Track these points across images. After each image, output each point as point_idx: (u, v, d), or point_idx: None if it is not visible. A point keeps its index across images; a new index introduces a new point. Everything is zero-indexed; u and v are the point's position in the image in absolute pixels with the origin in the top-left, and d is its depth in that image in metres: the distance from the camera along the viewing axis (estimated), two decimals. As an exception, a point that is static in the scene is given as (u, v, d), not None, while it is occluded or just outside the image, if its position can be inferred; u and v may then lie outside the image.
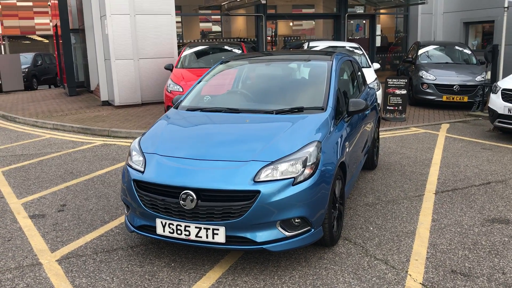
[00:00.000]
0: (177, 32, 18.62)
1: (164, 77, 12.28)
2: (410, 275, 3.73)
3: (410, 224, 4.72)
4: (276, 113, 4.44)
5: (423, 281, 3.64)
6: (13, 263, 4.03)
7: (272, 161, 3.72)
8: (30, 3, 42.31)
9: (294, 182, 3.66)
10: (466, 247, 4.20)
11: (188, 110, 4.80)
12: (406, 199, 5.45)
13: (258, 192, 3.55)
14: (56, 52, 19.11)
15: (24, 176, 6.58)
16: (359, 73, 6.25)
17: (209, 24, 24.83)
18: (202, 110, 4.74)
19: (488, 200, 5.38)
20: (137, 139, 4.37)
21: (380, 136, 8.74)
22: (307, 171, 3.73)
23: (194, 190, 3.60)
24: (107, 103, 13.02)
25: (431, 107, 11.90)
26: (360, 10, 16.26)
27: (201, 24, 23.68)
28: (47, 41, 44.23)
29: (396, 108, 10.45)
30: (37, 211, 5.24)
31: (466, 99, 11.33)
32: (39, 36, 44.97)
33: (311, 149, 3.85)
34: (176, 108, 4.92)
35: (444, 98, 11.42)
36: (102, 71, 13.03)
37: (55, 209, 5.29)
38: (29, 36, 45.92)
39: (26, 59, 21.35)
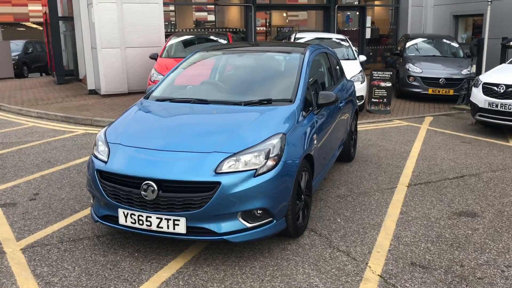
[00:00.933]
0: (170, 21, 18.56)
1: (151, 66, 12.22)
2: (369, 267, 3.76)
3: (377, 217, 4.75)
4: (244, 105, 4.45)
5: (382, 272, 3.67)
6: (-22, 251, 4.04)
7: (235, 153, 3.73)
8: (24, -10, 41.93)
9: (256, 173, 3.67)
10: (429, 239, 4.24)
11: (158, 100, 4.80)
12: (378, 191, 5.48)
13: (219, 183, 3.57)
14: (46, 40, 18.98)
15: (0, 164, 6.57)
16: (336, 65, 6.24)
17: (203, 14, 24.71)
18: (171, 100, 4.74)
19: (459, 193, 5.42)
20: (103, 129, 4.38)
21: (362, 129, 8.78)
22: (270, 163, 3.75)
23: (155, 181, 3.61)
24: (94, 92, 12.97)
25: (417, 100, 11.92)
26: (349, 0, 16.19)
27: (196, 14, 23.56)
28: (41, 28, 43.91)
29: (381, 100, 10.47)
30: (8, 199, 5.24)
31: (451, 92, 11.36)
32: (33, 23, 44.66)
33: (275, 141, 3.86)
34: (147, 98, 4.92)
35: (430, 91, 11.44)
36: (89, 60, 12.97)
37: (27, 197, 5.29)
38: (23, 23, 45.60)
39: (17, 46, 21.21)
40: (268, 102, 4.47)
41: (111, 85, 12.29)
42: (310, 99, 4.71)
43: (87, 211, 4.88)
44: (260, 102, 4.47)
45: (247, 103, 4.46)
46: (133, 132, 4.17)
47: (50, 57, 17.45)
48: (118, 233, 4.35)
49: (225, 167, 3.65)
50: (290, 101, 4.46)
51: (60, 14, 16.20)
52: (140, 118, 4.47)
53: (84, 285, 3.52)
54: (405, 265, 3.78)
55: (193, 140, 3.96)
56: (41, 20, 38.86)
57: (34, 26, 45.79)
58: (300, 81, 4.66)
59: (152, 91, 5.01)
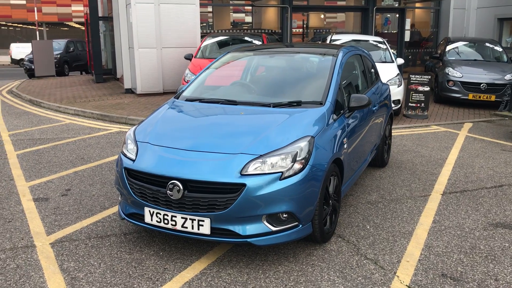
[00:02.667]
0: (208, 22, 18.70)
1: (186, 67, 12.33)
2: (398, 276, 3.63)
3: (409, 225, 4.59)
4: (273, 106, 4.38)
5: (410, 283, 3.54)
6: (9, 244, 4.14)
7: (261, 155, 3.68)
8: (68, -9, 43.24)
9: (282, 176, 3.61)
10: (462, 251, 4.06)
11: (187, 100, 4.80)
12: (411, 198, 5.32)
13: (244, 185, 3.52)
14: (86, 39, 19.47)
15: (36, 159, 6.74)
16: (371, 68, 6.10)
17: (241, 15, 24.82)
18: (201, 101, 4.73)
19: (496, 203, 5.19)
20: (133, 128, 4.41)
21: (397, 134, 8.57)
22: (297, 166, 3.67)
23: (181, 180, 3.60)
24: (130, 91, 13.20)
25: (456, 105, 11.56)
26: (390, 2, 15.86)
27: (233, 15, 23.69)
28: (83, 28, 45.18)
29: (419, 105, 10.19)
30: (42, 194, 5.36)
31: (493, 98, 10.94)
32: (76, 23, 45.98)
33: (303, 143, 3.79)
34: (177, 98, 4.93)
35: (470, 97, 11.06)
36: (126, 59, 13.20)
37: (59, 193, 5.40)
38: (66, 23, 47.01)
39: (59, 45, 21.85)
40: (298, 104, 4.40)
41: (146, 84, 12.47)
42: (342, 101, 4.61)
43: (115, 208, 4.93)
44: (290, 104, 4.40)
45: (276, 105, 4.40)
46: (162, 132, 4.18)
47: (89, 56, 17.90)
48: (145, 231, 4.37)
49: (250, 169, 3.61)
50: (320, 103, 4.37)
51: (100, 14, 16.61)
52: (169, 118, 4.48)
53: (108, 281, 3.54)
54: (435, 276, 3.63)
55: (220, 140, 3.93)
56: (83, 20, 39.94)
57: (77, 26, 47.16)
58: (332, 83, 4.56)
59: (183, 91, 5.02)
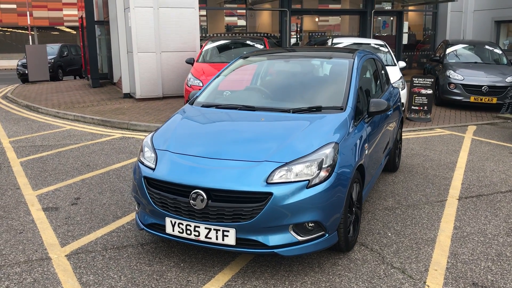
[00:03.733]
0: (201, 25, 18.59)
1: (186, 71, 12.22)
2: (428, 286, 3.55)
3: (430, 231, 4.52)
4: (293, 112, 4.29)
5: (442, 293, 3.46)
6: (23, 257, 3.99)
7: (286, 162, 3.58)
8: (59, -6, 42.89)
9: (309, 184, 3.51)
10: (489, 258, 3.99)
11: (203, 106, 4.69)
12: (428, 204, 5.24)
13: (271, 194, 3.42)
14: (81, 44, 19.26)
15: (41, 167, 6.59)
16: (383, 71, 6.04)
17: (234, 18, 24.72)
18: (217, 106, 4.62)
19: (514, 208, 5.13)
20: (150, 135, 4.28)
21: (403, 137, 8.51)
22: (323, 174, 3.58)
23: (205, 189, 3.49)
24: (128, 96, 13.04)
25: (457, 108, 11.55)
26: (387, 6, 15.88)
27: (227, 18, 23.58)
28: (75, 32, 44.86)
29: (421, 108, 10.16)
30: (51, 203, 5.21)
31: (495, 100, 10.94)
32: (67, 27, 45.63)
33: (328, 150, 3.69)
34: (192, 104, 4.82)
35: (472, 99, 11.06)
36: (124, 64, 13.06)
37: (69, 202, 5.26)
38: (57, 27, 46.62)
39: (53, 49, 21.61)
40: (318, 109, 4.31)
41: (146, 89, 12.33)
42: (361, 107, 4.53)
43: (129, 218, 4.80)
44: (309, 110, 4.31)
45: (296, 111, 4.30)
46: (181, 139, 4.06)
47: (85, 61, 17.70)
48: (162, 241, 4.25)
49: (276, 177, 3.51)
50: (341, 108, 4.29)
51: (95, 19, 16.43)
52: (187, 124, 4.37)
53: (130, 296, 3.42)
54: (466, 286, 3.55)
55: (243, 148, 3.83)
56: (75, 24, 39.63)
57: (68, 30, 46.80)
58: (351, 88, 4.48)
59: (197, 96, 4.90)
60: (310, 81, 4.91)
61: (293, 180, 3.52)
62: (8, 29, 46.44)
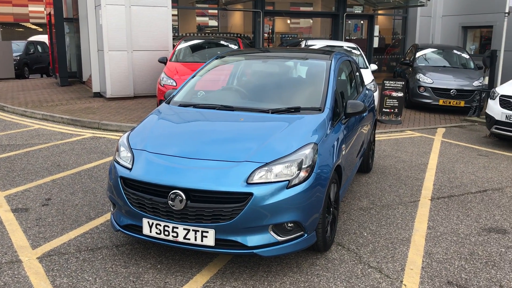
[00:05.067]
0: (173, 25, 18.42)
1: (158, 70, 12.07)
2: (405, 285, 3.59)
3: (405, 231, 4.58)
4: (272, 112, 4.29)
5: (419, 292, 3.51)
6: (-8, 260, 3.85)
7: (267, 163, 3.57)
8: (25, -10, 41.74)
9: (289, 185, 3.51)
10: (462, 257, 4.07)
11: (180, 105, 4.63)
12: (401, 204, 5.32)
13: (251, 194, 3.40)
14: (49, 41, 18.78)
15: (9, 167, 6.37)
16: (358, 73, 6.11)
17: (206, 19, 24.58)
18: (195, 106, 4.57)
19: (484, 208, 5.26)
20: (125, 134, 4.20)
21: (375, 139, 8.62)
22: (302, 174, 3.58)
23: (184, 190, 3.44)
24: (98, 95, 12.79)
25: (427, 111, 11.80)
26: (358, 10, 16.11)
27: (198, 18, 23.44)
28: (41, 29, 43.70)
29: (392, 110, 10.34)
30: (20, 204, 5.05)
31: (462, 103, 11.23)
32: (33, 24, 44.46)
33: (307, 151, 3.70)
34: (168, 103, 4.75)
35: (441, 102, 11.32)
36: (94, 62, 12.80)
37: (39, 203, 5.10)
38: (22, 23, 45.38)
39: (18, 46, 20.98)
40: (296, 110, 4.31)
41: (117, 88, 12.11)
42: (338, 108, 4.56)
43: (103, 219, 4.69)
44: (288, 110, 4.31)
45: (275, 111, 4.30)
46: (158, 138, 4.00)
47: (53, 59, 17.27)
48: (138, 242, 4.17)
49: (256, 178, 3.49)
50: (319, 109, 4.30)
51: (64, 16, 16.05)
52: (164, 124, 4.30)
53: (107, 298, 3.33)
54: (442, 284, 3.61)
55: (222, 148, 3.79)
56: (41, 21, 38.63)
57: (33, 27, 45.61)
58: (329, 89, 4.51)
59: (174, 96, 4.84)
60: (288, 82, 4.92)
61: (273, 180, 3.51)
62: (-29, 25, 44.93)
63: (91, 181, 5.85)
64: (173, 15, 18.85)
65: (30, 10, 43.01)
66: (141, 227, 3.63)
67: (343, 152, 4.36)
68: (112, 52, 11.88)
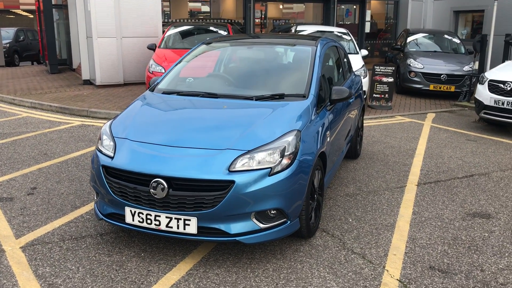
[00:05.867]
0: (164, 11, 18.24)
1: (148, 57, 11.97)
2: (387, 270, 3.62)
3: (390, 217, 4.60)
4: (256, 100, 4.26)
5: (400, 277, 3.53)
6: (-25, 249, 3.84)
7: (249, 150, 3.55)
8: (15, -24, 41.12)
9: (271, 172, 3.50)
10: (445, 242, 4.10)
11: (164, 93, 4.59)
12: (388, 190, 5.34)
13: (233, 182, 3.39)
14: (38, 28, 18.57)
15: (-5, 156, 6.34)
16: (345, 59, 6.07)
17: (198, 4, 24.35)
18: (179, 93, 4.53)
19: (470, 193, 5.29)
20: (108, 122, 4.17)
21: (364, 125, 8.63)
22: (285, 161, 3.58)
23: (165, 178, 3.43)
24: (88, 82, 12.69)
25: (418, 96, 11.80)
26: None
27: (190, 4, 23.22)
28: (32, 16, 43.20)
29: (383, 96, 10.32)
30: (5, 193, 5.02)
31: (453, 88, 11.24)
32: (24, 10, 43.89)
33: (290, 138, 3.69)
34: (152, 91, 4.71)
35: (431, 87, 11.32)
36: (84, 49, 12.67)
37: (24, 192, 5.08)
38: (13, 10, 44.77)
39: (8, 34, 20.76)
40: (281, 97, 4.29)
41: (106, 75, 12.01)
42: (323, 94, 4.54)
43: (88, 207, 4.68)
44: (272, 97, 4.29)
45: (259, 98, 4.28)
46: (141, 126, 3.97)
47: (42, 46, 17.08)
48: (122, 231, 4.17)
49: (238, 165, 3.48)
50: (304, 96, 4.28)
51: (53, 2, 15.83)
52: (147, 112, 4.27)
53: (89, 287, 3.33)
54: (423, 269, 3.64)
55: (204, 136, 3.77)
56: (32, 7, 38.23)
57: (24, 13, 45.05)
58: (313, 76, 4.48)
59: (158, 83, 4.80)
60: (273, 68, 4.88)
61: (255, 168, 3.50)
62: (-40, 12, 44.31)
63: (77, 169, 5.83)
64: (164, 0, 18.67)
65: (20, -4, 42.41)
66: (124, 216, 3.62)
67: (328, 139, 4.35)
68: (101, 39, 11.76)
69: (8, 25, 37.28)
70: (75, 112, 9.20)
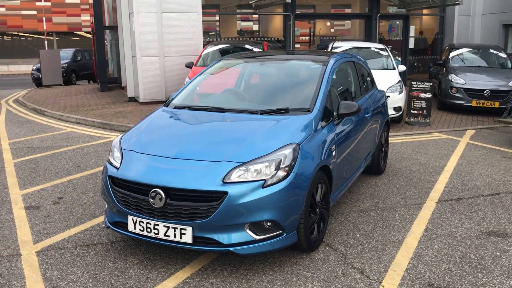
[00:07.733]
0: (215, 30, 18.75)
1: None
2: (383, 286, 3.56)
3: (400, 233, 4.52)
4: (260, 114, 4.35)
5: (395, 293, 3.47)
6: (-5, 252, 4.14)
7: (244, 162, 3.65)
8: (78, 1, 43.78)
9: (265, 184, 3.57)
10: (452, 260, 3.98)
11: (175, 107, 4.79)
12: (405, 206, 5.24)
13: (226, 193, 3.49)
14: (93, 48, 19.63)
15: (33, 168, 6.77)
16: (363, 75, 6.03)
17: (249, 23, 24.84)
18: (189, 108, 4.71)
19: (491, 211, 5.09)
20: (119, 136, 4.40)
21: (397, 141, 8.49)
22: (281, 174, 3.63)
23: (163, 188, 3.58)
24: (133, 99, 13.25)
25: (460, 112, 11.44)
26: (393, 10, 15.81)
27: (242, 23, 23.71)
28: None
29: (420, 112, 10.10)
30: (34, 202, 5.37)
31: (497, 104, 10.81)
32: (86, 32, 46.51)
33: (287, 151, 3.75)
34: (167, 106, 4.92)
35: (474, 103, 10.94)
36: (129, 68, 13.28)
37: (51, 201, 5.40)
38: (76, 32, 47.54)
39: (67, 54, 22.08)
40: (285, 111, 4.36)
41: (149, 92, 12.52)
42: (331, 108, 4.56)
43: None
44: (277, 111, 4.36)
45: (263, 112, 4.37)
46: (147, 139, 4.17)
47: (95, 65, 18.04)
48: (131, 240, 4.35)
49: (233, 177, 3.57)
50: (308, 110, 4.33)
51: (106, 24, 16.75)
52: (155, 126, 4.47)
53: (89, 291, 3.51)
54: (421, 286, 3.55)
55: (204, 148, 3.91)
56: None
57: (87, 35, 47.70)
58: (320, 90, 4.52)
59: (172, 98, 5.01)
60: (282, 84, 4.96)
61: (250, 179, 3.58)
62: (30, 35, 47.56)
63: (104, 181, 6.11)
64: (216, 20, 19.21)
65: (82, 19, 45.08)
66: (127, 224, 3.80)
67: (334, 153, 4.36)
68: (145, 58, 12.30)
69: (72, 46, 39.53)
70: (115, 128, 9.65)
